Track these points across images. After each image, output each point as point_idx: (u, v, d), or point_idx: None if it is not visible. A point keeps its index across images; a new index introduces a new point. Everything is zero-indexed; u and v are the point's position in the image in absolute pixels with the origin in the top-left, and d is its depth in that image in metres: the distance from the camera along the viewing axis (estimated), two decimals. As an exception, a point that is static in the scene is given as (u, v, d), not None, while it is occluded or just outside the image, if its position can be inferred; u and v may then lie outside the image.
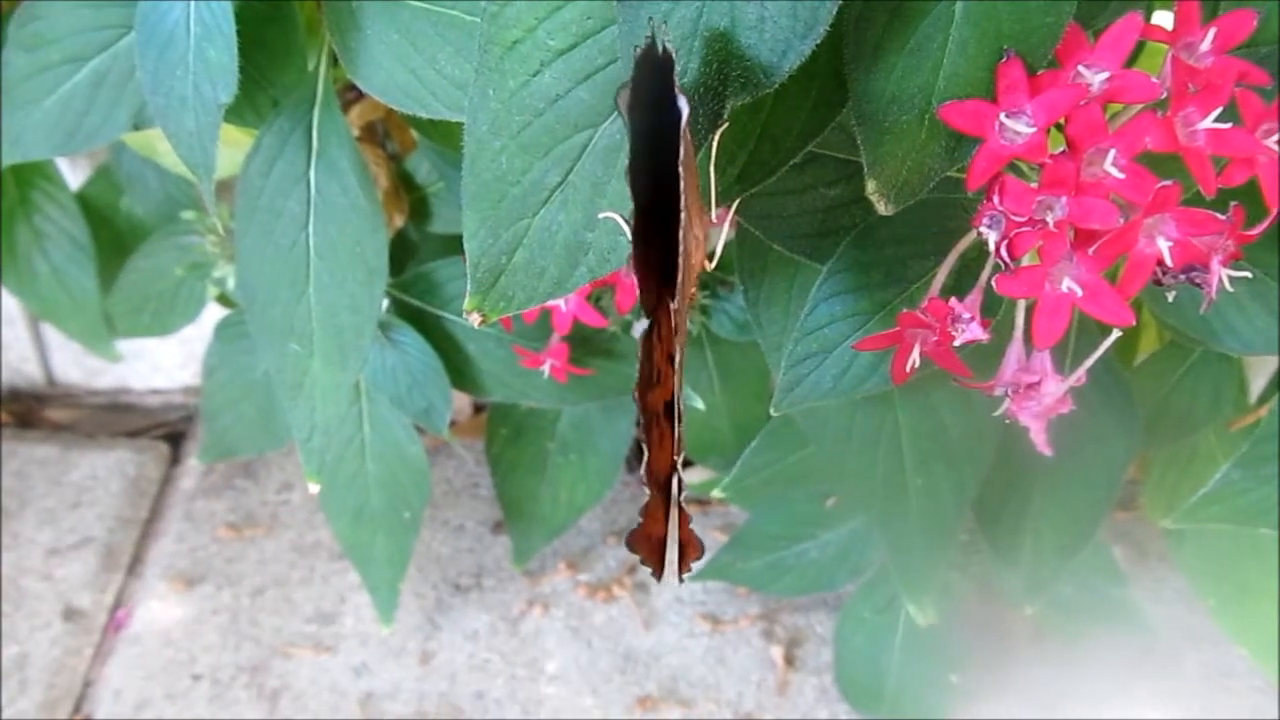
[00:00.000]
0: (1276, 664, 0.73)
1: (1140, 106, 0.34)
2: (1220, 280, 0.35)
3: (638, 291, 0.34)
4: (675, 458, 0.34)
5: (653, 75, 0.32)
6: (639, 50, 0.32)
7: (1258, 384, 0.68)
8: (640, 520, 0.33)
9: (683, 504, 0.33)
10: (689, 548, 0.33)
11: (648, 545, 0.34)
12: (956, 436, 0.56)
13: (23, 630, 0.85)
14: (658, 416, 0.34)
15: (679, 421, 0.34)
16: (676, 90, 0.31)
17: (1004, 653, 0.81)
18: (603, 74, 0.36)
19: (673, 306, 0.34)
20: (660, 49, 0.32)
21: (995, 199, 0.34)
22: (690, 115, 0.31)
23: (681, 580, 0.33)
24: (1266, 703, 0.80)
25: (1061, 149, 0.34)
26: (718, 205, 0.37)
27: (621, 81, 0.32)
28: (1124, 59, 0.34)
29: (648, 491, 0.33)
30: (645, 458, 0.33)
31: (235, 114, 0.50)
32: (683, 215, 0.32)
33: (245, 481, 0.97)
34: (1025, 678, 0.80)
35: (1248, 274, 0.36)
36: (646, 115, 0.33)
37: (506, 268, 0.38)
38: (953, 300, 0.37)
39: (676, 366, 0.34)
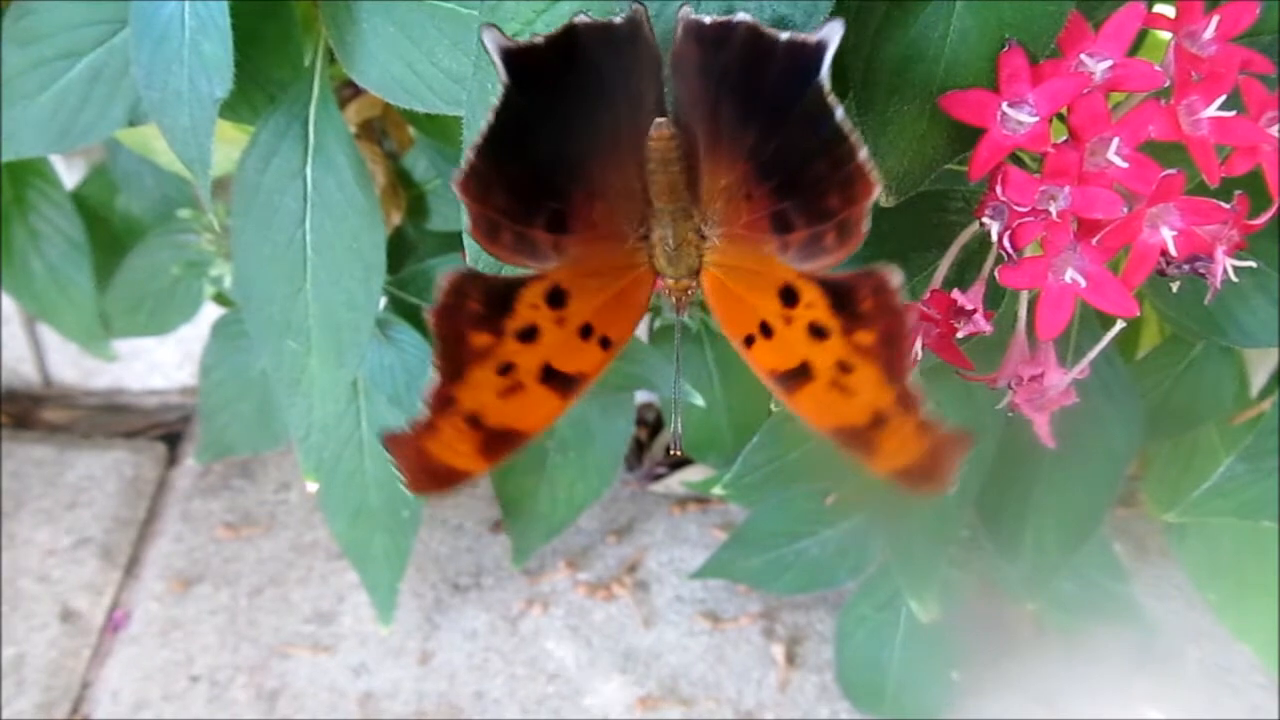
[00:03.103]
0: (1277, 660, 0.73)
1: (1143, 95, 0.34)
2: (1225, 270, 0.34)
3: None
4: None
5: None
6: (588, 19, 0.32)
7: (1259, 379, 0.68)
8: (412, 430, 0.32)
9: (925, 412, 0.30)
10: (949, 450, 0.31)
11: (410, 456, 0.32)
12: (958, 432, 0.56)
13: (20, 631, 0.84)
14: (532, 374, 0.34)
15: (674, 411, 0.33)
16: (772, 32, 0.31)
17: (1005, 649, 0.81)
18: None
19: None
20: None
21: (998, 189, 0.34)
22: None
23: (945, 490, 0.31)
24: (1268, 699, 0.80)
25: (1064, 138, 0.33)
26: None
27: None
28: (1127, 47, 0.33)
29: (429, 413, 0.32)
30: (436, 382, 0.32)
31: (231, 110, 0.49)
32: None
33: (243, 481, 0.97)
34: (1026, 674, 0.80)
35: (1252, 264, 0.36)
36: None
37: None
38: (955, 292, 0.37)
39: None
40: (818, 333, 0.32)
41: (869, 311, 0.31)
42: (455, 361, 0.33)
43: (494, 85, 0.32)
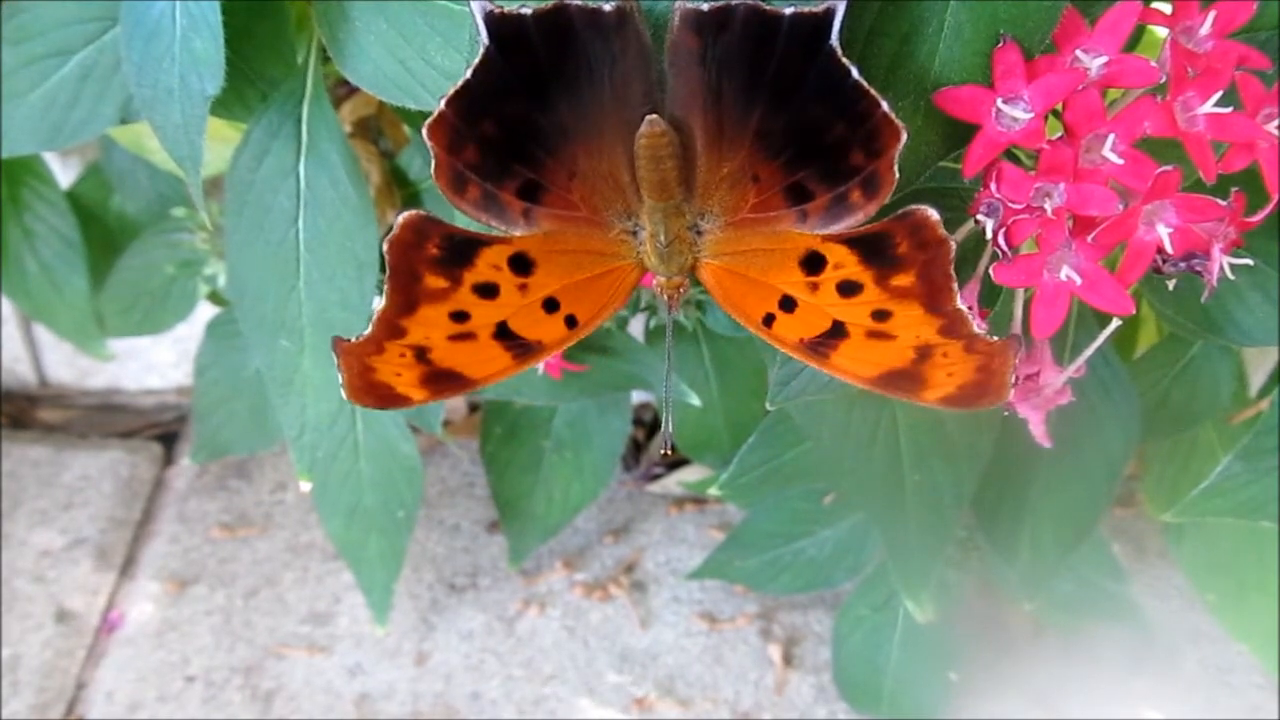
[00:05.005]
0: (1276, 660, 0.73)
1: (1139, 91, 0.34)
2: (1221, 268, 0.34)
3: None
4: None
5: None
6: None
7: (1257, 378, 0.67)
8: (358, 343, 0.32)
9: (972, 328, 0.31)
10: (1000, 359, 0.31)
11: (354, 367, 0.33)
12: (954, 431, 0.56)
13: (15, 632, 0.84)
14: (487, 328, 0.34)
15: None
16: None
17: (1003, 650, 0.81)
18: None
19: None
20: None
21: (992, 186, 0.33)
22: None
23: (1005, 400, 0.32)
24: (1266, 699, 0.80)
25: (1059, 135, 0.33)
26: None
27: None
28: (1122, 43, 0.33)
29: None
30: (385, 309, 0.33)
31: (223, 107, 0.49)
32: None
33: (238, 482, 0.96)
34: (1024, 674, 0.80)
35: (1249, 261, 0.35)
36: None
37: (502, 261, 0.37)
38: (950, 290, 0.36)
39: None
40: (848, 290, 0.33)
41: (905, 254, 0.32)
42: (407, 295, 0.33)
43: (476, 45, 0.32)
